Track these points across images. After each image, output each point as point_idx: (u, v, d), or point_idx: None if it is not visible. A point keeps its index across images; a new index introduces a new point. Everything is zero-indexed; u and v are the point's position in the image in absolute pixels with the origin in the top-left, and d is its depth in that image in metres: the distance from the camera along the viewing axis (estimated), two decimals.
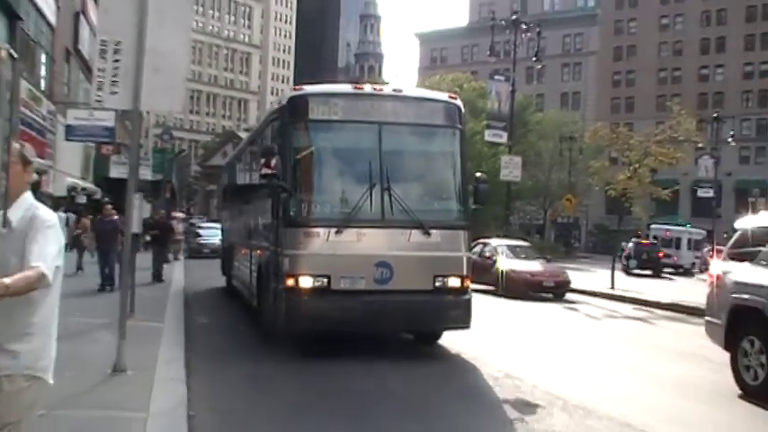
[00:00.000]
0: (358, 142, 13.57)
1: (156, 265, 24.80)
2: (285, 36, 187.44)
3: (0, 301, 4.04)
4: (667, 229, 58.92)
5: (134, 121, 11.74)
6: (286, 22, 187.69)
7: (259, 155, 14.13)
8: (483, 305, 16.67)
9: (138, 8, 10.14)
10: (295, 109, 13.20)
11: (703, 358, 13.78)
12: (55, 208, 34.05)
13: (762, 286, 11.13)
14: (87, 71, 37.18)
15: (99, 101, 10.86)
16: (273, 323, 12.96)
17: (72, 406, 7.90)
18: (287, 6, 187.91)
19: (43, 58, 33.69)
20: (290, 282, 12.22)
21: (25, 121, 27.61)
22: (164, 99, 10.94)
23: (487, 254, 29.48)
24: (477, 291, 16.60)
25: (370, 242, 12.56)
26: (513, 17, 42.04)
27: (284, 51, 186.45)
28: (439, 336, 14.37)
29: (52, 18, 33.43)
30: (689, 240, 56.72)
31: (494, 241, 32.06)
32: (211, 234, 42.32)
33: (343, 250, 12.35)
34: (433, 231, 12.76)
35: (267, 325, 13.69)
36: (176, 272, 28.37)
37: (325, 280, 12.22)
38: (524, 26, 42.35)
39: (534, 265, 28.90)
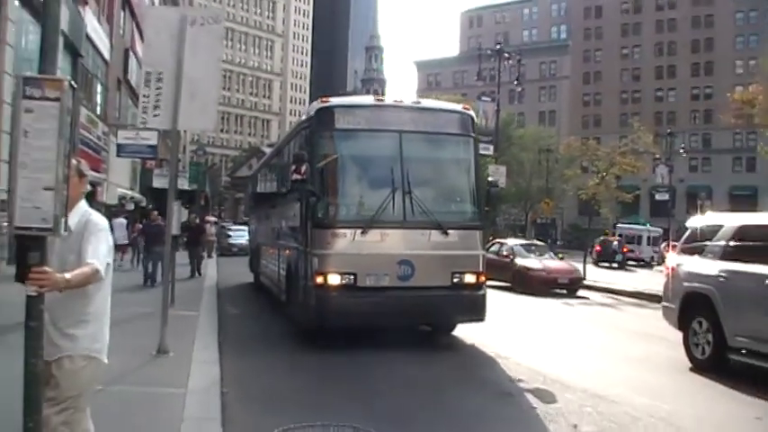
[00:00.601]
0: (380, 149, 12.71)
1: (193, 261, 24.81)
2: (302, 65, 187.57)
3: (61, 293, 4.16)
4: (631, 228, 59.41)
5: (173, 139, 11.79)
6: (302, 53, 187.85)
7: (290, 162, 13.53)
8: (498, 300, 15.95)
9: (177, 44, 10.19)
10: (322, 119, 12.37)
11: (660, 338, 13.78)
12: (109, 215, 34.30)
13: (709, 276, 11.23)
14: (134, 97, 37.44)
15: (143, 122, 10.93)
16: (303, 317, 12.40)
17: (123, 382, 7.95)
18: (303, 40, 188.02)
19: (99, 87, 34.01)
20: (320, 279, 11.55)
21: (83, 141, 27.84)
22: (198, 120, 10.96)
23: (505, 252, 27.37)
24: (495, 287, 16.04)
25: (393, 242, 11.86)
26: (497, 47, 42.01)
27: (301, 78, 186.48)
28: (454, 327, 13.75)
29: (106, 54, 33.77)
30: (648, 237, 57.17)
31: (510, 241, 30.52)
32: (239, 235, 42.42)
33: (368, 250, 11.68)
34: (451, 231, 12.08)
35: (296, 319, 13.08)
36: (210, 268, 28.38)
37: (352, 277, 11.56)
38: (507, 55, 42.26)
39: (549, 263, 26.93)
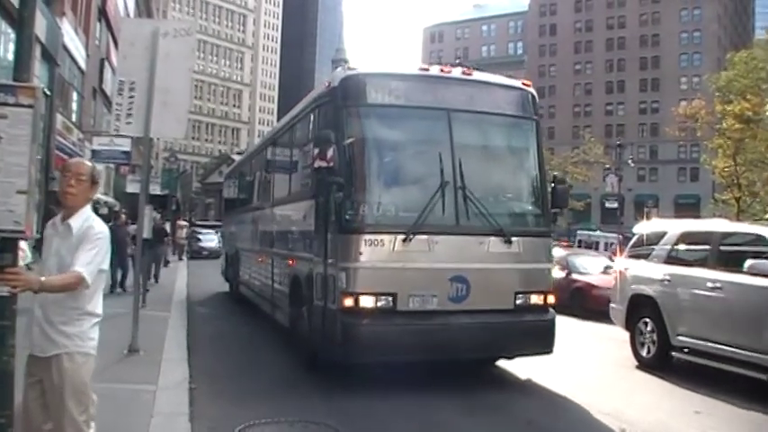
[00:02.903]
0: (425, 133, 9.64)
1: (152, 265, 21.03)
2: (270, 76, 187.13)
3: (36, 293, 4.16)
4: (589, 235, 60.17)
5: (146, 145, 11.69)
6: (271, 65, 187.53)
7: (295, 148, 11.61)
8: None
9: (150, 55, 10.14)
10: (349, 91, 9.17)
11: (609, 337, 13.92)
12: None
13: (654, 279, 11.41)
14: (109, 105, 37.19)
15: (117, 129, 10.86)
16: (324, 350, 9.08)
17: (96, 380, 7.73)
18: (272, 52, 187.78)
19: (75, 96, 33.72)
20: (348, 302, 8.48)
21: (60, 147, 27.56)
22: (170, 128, 10.87)
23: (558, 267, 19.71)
24: None
25: (444, 252, 8.79)
26: (457, 62, 42.23)
27: (269, 88, 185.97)
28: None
29: (83, 64, 33.52)
30: (605, 243, 57.85)
31: (558, 251, 21.76)
32: (209, 239, 42.07)
33: (413, 262, 8.64)
34: (514, 239, 9.12)
35: (311, 351, 9.64)
36: (180, 271, 28.10)
37: (391, 299, 8.54)
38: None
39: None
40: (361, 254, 8.54)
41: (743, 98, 41.03)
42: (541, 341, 9.41)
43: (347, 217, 8.67)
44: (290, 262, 11.26)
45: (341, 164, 8.66)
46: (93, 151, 27.99)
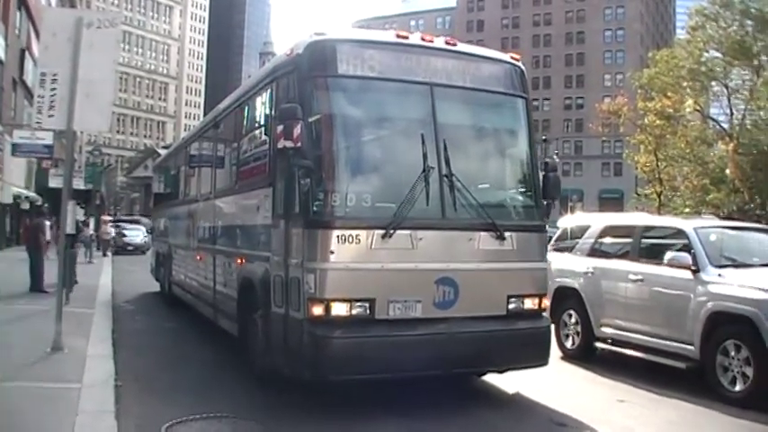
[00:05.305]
0: (405, 110, 8.36)
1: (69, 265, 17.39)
2: (197, 69, 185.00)
3: None
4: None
5: (69, 139, 11.44)
6: (198, 57, 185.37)
7: (249, 126, 10.18)
8: None
9: (73, 46, 9.91)
10: (316, 60, 7.81)
11: None
12: (2, 214, 32.88)
13: (578, 272, 11.66)
14: (30, 98, 36.17)
15: (39, 122, 10.57)
16: (287, 367, 7.72)
17: (18, 379, 7.68)
18: (199, 45, 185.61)
19: None
20: (317, 310, 7.21)
21: None
22: (94, 121, 10.66)
23: None
24: None
25: (429, 250, 7.59)
26: None
27: (196, 82, 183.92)
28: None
29: (2, 54, 32.62)
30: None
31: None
32: (134, 234, 41.43)
33: (393, 262, 7.44)
34: (507, 234, 7.99)
35: (268, 366, 8.21)
36: (105, 266, 27.58)
37: (367, 305, 7.31)
38: None
39: None
40: (332, 252, 7.26)
41: (664, 95, 42.28)
42: (537, 352, 8.30)
43: (315, 208, 7.36)
44: (239, 261, 9.82)
45: (307, 145, 7.33)
46: (14, 145, 27.33)
